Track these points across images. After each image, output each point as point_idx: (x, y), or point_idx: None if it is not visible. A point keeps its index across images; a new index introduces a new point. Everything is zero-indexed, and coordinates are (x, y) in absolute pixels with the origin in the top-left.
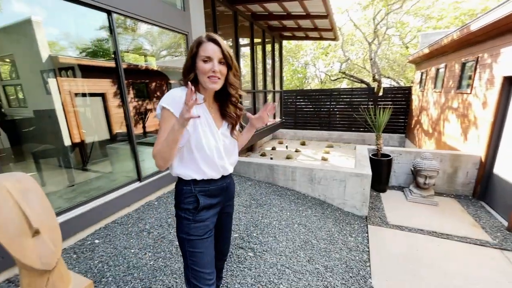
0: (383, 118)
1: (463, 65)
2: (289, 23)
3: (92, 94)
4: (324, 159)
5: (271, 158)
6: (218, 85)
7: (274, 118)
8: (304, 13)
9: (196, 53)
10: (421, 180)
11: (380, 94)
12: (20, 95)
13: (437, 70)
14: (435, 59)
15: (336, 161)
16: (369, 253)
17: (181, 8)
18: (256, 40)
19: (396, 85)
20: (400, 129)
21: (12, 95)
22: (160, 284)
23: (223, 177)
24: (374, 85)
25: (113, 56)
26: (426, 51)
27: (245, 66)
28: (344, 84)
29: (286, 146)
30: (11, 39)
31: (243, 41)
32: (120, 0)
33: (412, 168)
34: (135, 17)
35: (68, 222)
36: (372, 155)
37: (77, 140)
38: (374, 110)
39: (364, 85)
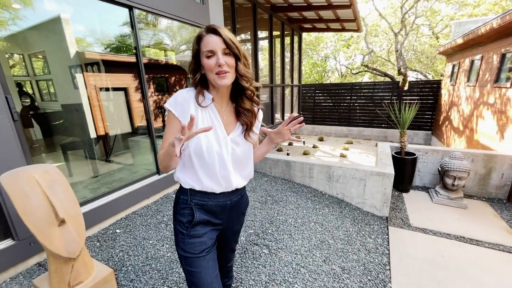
0: (408, 114)
1: (503, 56)
2: (309, 14)
3: (115, 89)
4: (342, 155)
5: (288, 154)
6: (228, 80)
7: (292, 113)
8: (326, 3)
9: (198, 50)
10: (449, 181)
11: (406, 88)
12: (51, 90)
13: (472, 62)
14: (469, 50)
15: (355, 158)
16: (389, 255)
17: (200, 1)
18: (275, 33)
19: (423, 78)
20: (426, 125)
21: (44, 90)
22: (177, 276)
23: (227, 192)
24: (399, 78)
25: (134, 51)
26: (460, 41)
27: (263, 59)
28: (366, 78)
29: (304, 142)
30: (43, 36)
31: (262, 34)
32: None
33: (440, 168)
34: (156, 11)
35: (92, 211)
36: (395, 153)
37: (101, 133)
38: (399, 105)
39: (387, 79)
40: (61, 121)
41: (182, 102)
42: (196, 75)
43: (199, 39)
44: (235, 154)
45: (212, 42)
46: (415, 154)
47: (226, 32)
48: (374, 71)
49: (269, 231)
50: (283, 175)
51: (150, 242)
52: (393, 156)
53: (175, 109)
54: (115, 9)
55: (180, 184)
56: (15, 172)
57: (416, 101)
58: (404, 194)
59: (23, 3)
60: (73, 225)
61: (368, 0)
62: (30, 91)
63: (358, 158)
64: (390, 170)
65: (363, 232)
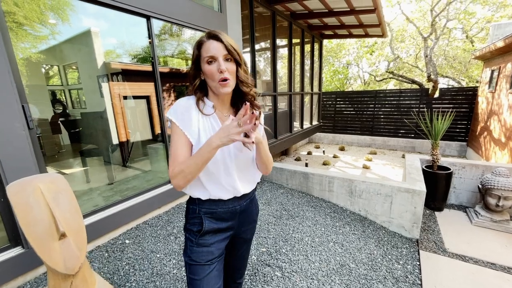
0: (442, 124)
1: None
2: (330, 20)
3: (137, 97)
4: (365, 167)
5: (306, 164)
6: (230, 88)
7: (312, 121)
8: (348, 9)
9: (199, 56)
10: (492, 201)
11: (436, 95)
12: (82, 98)
13: None
14: None
15: (380, 170)
16: (421, 286)
17: (218, 10)
18: (294, 41)
19: (456, 85)
20: (460, 136)
21: (75, 98)
22: None
23: (236, 198)
24: (429, 85)
25: (151, 60)
26: (501, 44)
27: (282, 67)
28: (391, 85)
29: (323, 151)
30: (75, 48)
31: (281, 42)
32: (158, 5)
33: (480, 186)
34: (173, 21)
35: (105, 220)
36: (426, 166)
37: (123, 139)
38: (429, 114)
39: (415, 86)
40: (87, 128)
41: (182, 111)
42: (195, 81)
43: (199, 44)
44: (238, 160)
45: (213, 48)
46: (449, 169)
47: (228, 38)
48: (400, 78)
49: (283, 251)
50: (300, 187)
51: (158, 256)
52: (423, 170)
53: (176, 117)
54: (136, 20)
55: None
56: (22, 182)
57: (450, 110)
58: (436, 213)
59: (60, 18)
60: (75, 239)
61: (394, 4)
62: (63, 100)
63: (383, 170)
64: (421, 186)
65: (389, 256)
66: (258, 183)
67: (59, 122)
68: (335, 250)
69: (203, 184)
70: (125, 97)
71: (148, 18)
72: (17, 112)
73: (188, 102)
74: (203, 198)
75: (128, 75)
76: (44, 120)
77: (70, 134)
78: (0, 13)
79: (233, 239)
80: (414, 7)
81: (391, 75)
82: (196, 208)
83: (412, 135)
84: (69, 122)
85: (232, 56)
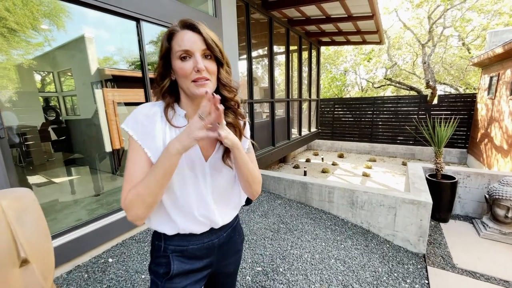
0: (445, 132)
1: None
2: (328, 27)
3: (130, 104)
4: (365, 174)
5: (305, 172)
6: (208, 89)
7: (310, 128)
8: (346, 15)
9: (168, 50)
10: (500, 212)
11: (435, 102)
12: (75, 105)
13: None
14: (511, 59)
15: (380, 178)
16: None
17: (213, 15)
18: (292, 47)
19: (454, 91)
20: (460, 143)
21: (69, 105)
22: None
23: (212, 230)
24: (427, 92)
25: (140, 64)
26: (500, 50)
27: (280, 74)
28: (389, 92)
29: (322, 158)
30: (70, 54)
31: (279, 49)
32: (149, 7)
33: (487, 196)
34: (164, 24)
35: (87, 235)
36: (429, 175)
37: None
38: (432, 121)
39: (413, 93)
40: (80, 135)
41: (143, 121)
42: (164, 82)
43: (170, 35)
44: (216, 182)
45: (188, 41)
46: (454, 178)
47: (207, 30)
48: (399, 85)
49: (281, 269)
50: (299, 198)
51: (142, 277)
52: (427, 179)
53: (133, 130)
54: (128, 26)
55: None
56: None
57: (451, 117)
58: (442, 225)
59: (56, 25)
60: (40, 265)
61: (391, 11)
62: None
63: (383, 178)
64: (427, 198)
65: (396, 274)
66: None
67: (49, 129)
68: (337, 268)
69: (168, 214)
70: (118, 103)
71: (138, 21)
72: None
73: (152, 109)
74: (170, 233)
75: (122, 81)
76: (32, 127)
77: (61, 142)
78: None
79: (212, 276)
80: (411, 15)
81: (388, 82)
82: (161, 245)
83: (411, 142)
84: (61, 129)
85: (213, 52)
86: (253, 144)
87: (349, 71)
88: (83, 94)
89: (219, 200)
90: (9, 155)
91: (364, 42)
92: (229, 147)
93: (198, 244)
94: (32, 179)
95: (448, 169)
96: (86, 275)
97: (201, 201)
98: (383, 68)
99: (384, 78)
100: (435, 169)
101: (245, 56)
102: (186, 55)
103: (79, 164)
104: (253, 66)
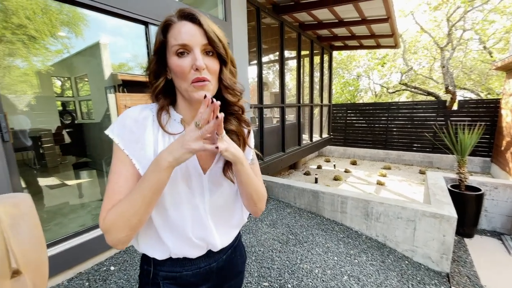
0: (469, 139)
1: None
2: (340, 31)
3: None
4: (380, 183)
5: (316, 179)
6: (208, 91)
7: (321, 134)
8: (360, 18)
9: (163, 44)
10: None
11: (454, 108)
12: (90, 109)
13: None
14: None
15: (396, 187)
16: None
17: (222, 19)
18: (303, 52)
19: (474, 97)
20: (483, 151)
21: (84, 109)
22: None
23: (210, 253)
24: (447, 97)
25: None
26: None
27: (291, 79)
28: (404, 97)
29: (334, 165)
30: (86, 60)
31: (290, 54)
32: (157, 11)
33: None
34: None
35: (90, 242)
36: (451, 186)
37: None
38: (453, 128)
39: (430, 98)
40: (93, 139)
41: (131, 127)
42: (158, 81)
43: (166, 26)
44: (215, 199)
45: (186, 33)
46: (479, 189)
47: (210, 22)
48: (415, 90)
49: (289, 286)
50: (310, 207)
51: None
52: (449, 191)
53: (119, 137)
54: (140, 31)
55: None
56: None
57: (475, 123)
58: (466, 240)
59: (74, 32)
60: (32, 276)
61: (407, 14)
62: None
63: (399, 187)
64: (450, 211)
65: None
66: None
67: (63, 132)
68: (351, 286)
69: (159, 235)
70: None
71: (146, 24)
72: None
73: (142, 113)
74: (160, 257)
75: (132, 86)
76: (47, 130)
77: (74, 145)
78: None
79: None
80: (428, 17)
81: (404, 87)
82: (151, 271)
83: (429, 149)
84: (75, 132)
85: (215, 48)
86: (257, 154)
87: (362, 76)
88: (97, 99)
89: (218, 219)
90: (13, 159)
91: (378, 46)
92: (230, 161)
93: (194, 270)
94: (45, 182)
95: (472, 180)
96: (87, 283)
97: (197, 220)
98: (398, 72)
99: (399, 83)
100: (458, 179)
101: (255, 61)
102: (183, 50)
103: (91, 167)
104: (264, 71)
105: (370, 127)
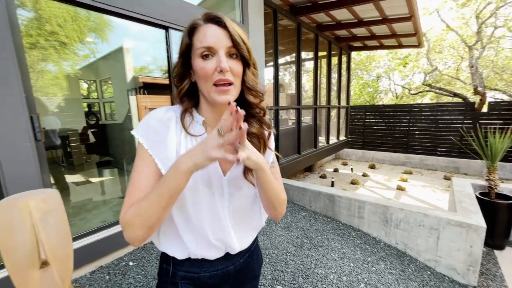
0: (501, 143)
1: None
2: (359, 31)
3: None
4: (400, 188)
5: (332, 182)
6: (231, 96)
7: (338, 136)
8: (380, 18)
9: (189, 46)
10: None
11: (484, 110)
12: (114, 110)
13: None
14: None
15: (417, 192)
16: None
17: (240, 22)
18: (320, 53)
19: (507, 98)
20: None
21: (108, 110)
22: None
23: (228, 255)
24: (474, 99)
25: (167, 71)
26: None
27: (308, 81)
28: (427, 99)
29: (351, 169)
30: (110, 64)
31: (307, 55)
32: (176, 16)
33: None
34: None
35: (111, 237)
36: (480, 193)
37: None
38: (482, 131)
39: (457, 99)
40: (114, 139)
41: (156, 127)
42: (183, 84)
43: (192, 29)
44: (235, 204)
45: (212, 36)
46: (511, 198)
47: (235, 25)
48: (440, 91)
49: None
50: (326, 211)
51: None
52: (477, 198)
53: (144, 137)
54: (160, 36)
55: None
56: (11, 199)
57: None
58: (496, 252)
59: (100, 38)
60: (59, 268)
61: (431, 12)
62: (98, 112)
63: (422, 193)
64: (479, 220)
65: None
66: None
67: (88, 132)
68: None
69: (180, 235)
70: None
71: (166, 29)
72: (24, 124)
73: (166, 114)
74: (180, 257)
75: (152, 88)
76: (74, 130)
77: (98, 144)
78: (16, 27)
79: None
80: (455, 14)
81: (428, 88)
82: (170, 270)
83: (455, 154)
84: (99, 132)
85: (240, 51)
86: (277, 156)
87: (382, 77)
88: (120, 100)
89: (237, 221)
90: (44, 157)
91: (400, 46)
92: (251, 168)
93: (211, 272)
94: (71, 178)
95: (503, 187)
96: (107, 277)
97: (216, 222)
98: (421, 73)
99: (423, 84)
100: (487, 186)
101: (271, 63)
102: (208, 53)
103: (114, 165)
104: (280, 73)
105: (390, 130)
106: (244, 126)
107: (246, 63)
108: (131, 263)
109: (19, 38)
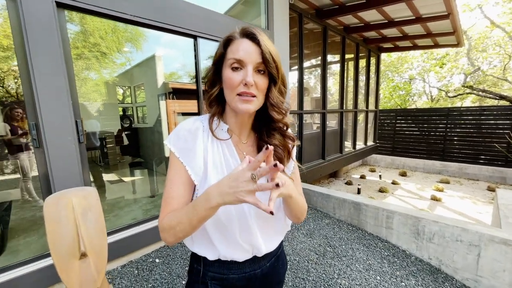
0: None
1: None
2: (390, 32)
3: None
4: (435, 198)
5: (359, 190)
6: (253, 107)
7: (366, 142)
8: (413, 17)
9: (222, 56)
10: None
11: None
12: (145, 114)
13: None
14: None
15: (455, 204)
16: None
17: (265, 27)
18: (347, 56)
19: None
20: None
21: (140, 114)
22: None
23: (255, 258)
24: None
25: (194, 77)
26: None
27: (334, 84)
28: (468, 102)
29: (380, 176)
30: (143, 71)
31: (333, 58)
32: (204, 25)
33: None
34: (218, 39)
35: (139, 234)
36: None
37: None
38: None
39: (503, 102)
40: (147, 141)
41: (186, 137)
42: (213, 90)
43: (227, 41)
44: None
45: (244, 50)
46: None
47: (267, 42)
48: (484, 93)
49: None
50: (350, 219)
51: (183, 282)
52: None
53: (176, 147)
54: (188, 43)
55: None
56: (58, 195)
57: None
58: None
59: (135, 47)
60: (95, 259)
61: (473, 8)
62: (132, 116)
63: (461, 205)
64: None
65: None
66: None
67: (122, 135)
68: None
69: (210, 238)
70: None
71: (195, 38)
72: (70, 127)
73: (194, 124)
74: (210, 258)
75: (180, 93)
76: (110, 133)
77: (131, 146)
78: (66, 41)
79: None
80: (501, 10)
81: (469, 90)
82: (200, 270)
83: (501, 163)
84: (132, 135)
85: (268, 68)
86: (298, 166)
87: (415, 78)
88: (151, 105)
89: (263, 224)
90: (86, 157)
91: (436, 45)
92: (283, 199)
93: (239, 274)
94: (107, 177)
95: None
96: (136, 272)
97: (244, 224)
98: (461, 74)
99: (463, 86)
100: None
101: (296, 67)
102: (238, 65)
103: (144, 166)
104: (305, 76)
105: (424, 135)
106: (280, 166)
107: (273, 79)
108: (157, 260)
109: (68, 51)
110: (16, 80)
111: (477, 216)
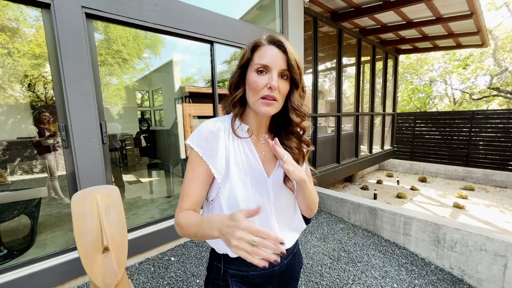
0: None
1: None
2: (409, 33)
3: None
4: (458, 206)
5: (375, 195)
6: (273, 109)
7: (383, 146)
8: (434, 17)
9: (249, 60)
10: None
11: None
12: (162, 117)
13: None
14: None
15: (480, 212)
16: None
17: (280, 32)
18: (364, 58)
19: None
20: None
21: (157, 117)
22: None
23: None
24: None
25: (210, 81)
26: None
27: (349, 87)
28: (494, 105)
29: (398, 181)
30: (161, 76)
31: (349, 61)
32: (220, 31)
33: None
34: (234, 44)
35: (157, 233)
36: None
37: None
38: None
39: None
40: (164, 143)
41: (208, 137)
42: (237, 92)
43: (255, 47)
44: (279, 203)
45: (271, 56)
46: None
47: (292, 50)
48: (511, 95)
49: None
50: (366, 224)
51: (197, 281)
52: None
53: (198, 145)
54: (203, 48)
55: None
56: (84, 192)
57: None
58: None
59: (154, 53)
60: (116, 254)
61: (499, 7)
62: (149, 119)
63: (486, 213)
64: None
65: None
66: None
67: (141, 137)
68: None
69: None
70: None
71: (211, 43)
72: (96, 129)
73: (215, 125)
74: (232, 255)
75: (196, 97)
76: (129, 135)
77: (148, 148)
78: (93, 48)
79: None
80: None
81: (495, 92)
82: (221, 268)
83: None
84: (150, 137)
85: (293, 74)
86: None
87: (436, 80)
88: (168, 108)
89: (281, 220)
90: (108, 157)
91: (458, 46)
92: (295, 180)
93: (259, 271)
94: (126, 177)
95: None
96: (152, 268)
97: (264, 220)
98: (487, 75)
99: (488, 88)
100: None
101: (310, 70)
102: (263, 70)
103: (161, 168)
104: (319, 79)
105: (446, 140)
106: (283, 249)
107: (295, 84)
108: (172, 258)
109: (95, 58)
110: (46, 86)
111: (505, 226)
